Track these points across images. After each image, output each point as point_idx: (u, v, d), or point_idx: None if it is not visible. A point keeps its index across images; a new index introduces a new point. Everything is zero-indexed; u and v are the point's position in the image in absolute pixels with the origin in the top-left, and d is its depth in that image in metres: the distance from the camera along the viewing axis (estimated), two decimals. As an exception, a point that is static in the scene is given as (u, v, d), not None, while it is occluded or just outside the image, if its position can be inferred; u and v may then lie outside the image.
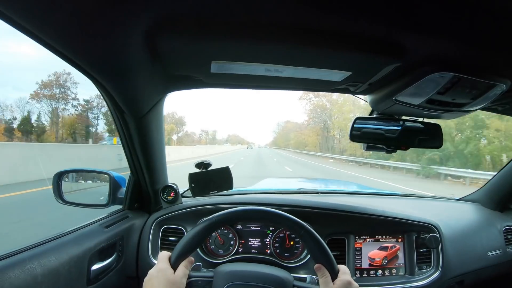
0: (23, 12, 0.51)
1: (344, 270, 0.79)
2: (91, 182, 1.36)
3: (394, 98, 0.90)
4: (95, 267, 0.95)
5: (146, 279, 0.74)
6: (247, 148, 79.26)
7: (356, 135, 1.03)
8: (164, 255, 0.78)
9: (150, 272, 0.74)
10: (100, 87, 0.81)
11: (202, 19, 0.62)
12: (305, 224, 0.81)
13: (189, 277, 0.79)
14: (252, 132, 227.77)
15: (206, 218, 0.82)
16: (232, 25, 0.63)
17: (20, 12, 0.50)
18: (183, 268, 0.75)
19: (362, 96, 1.07)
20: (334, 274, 0.76)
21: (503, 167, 1.58)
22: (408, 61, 0.74)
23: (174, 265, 0.75)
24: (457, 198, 1.80)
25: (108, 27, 0.58)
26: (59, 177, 1.16)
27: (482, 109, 1.10)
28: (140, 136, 1.03)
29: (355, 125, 1.02)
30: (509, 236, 1.49)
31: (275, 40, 0.67)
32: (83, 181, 1.34)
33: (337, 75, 0.85)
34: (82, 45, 0.62)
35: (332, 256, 0.78)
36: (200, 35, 0.65)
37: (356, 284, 0.76)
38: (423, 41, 0.66)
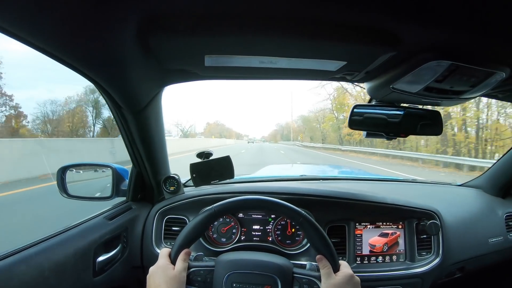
0: (12, 18, 0.52)
1: (345, 264, 0.80)
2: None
3: (391, 86, 0.89)
4: (100, 258, 0.97)
5: (147, 276, 0.77)
6: (248, 142, 67.74)
7: (356, 121, 1.03)
8: (164, 251, 0.81)
9: (151, 269, 0.77)
10: (96, 84, 0.82)
11: (192, 15, 0.62)
12: (302, 212, 0.83)
13: (190, 267, 0.81)
14: (243, 122, 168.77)
15: (205, 209, 0.84)
16: (222, 19, 0.63)
17: (8, 18, 0.51)
18: (181, 262, 0.77)
19: (360, 84, 1.06)
20: (335, 266, 0.78)
21: (506, 153, 1.57)
22: (404, 50, 0.73)
23: (174, 259, 0.78)
24: (459, 184, 1.79)
25: (98, 28, 0.59)
26: (63, 171, 1.17)
27: (482, 96, 1.09)
28: (139, 130, 1.04)
29: (354, 112, 1.02)
30: (511, 223, 1.49)
31: (267, 32, 0.66)
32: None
33: (332, 65, 0.84)
34: (73, 46, 0.64)
35: (332, 247, 0.80)
36: (191, 31, 0.65)
37: (357, 278, 0.78)
38: (418, 29, 0.65)
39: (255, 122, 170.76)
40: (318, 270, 0.79)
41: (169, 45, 0.71)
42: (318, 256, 0.79)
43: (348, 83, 1.08)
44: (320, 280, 0.77)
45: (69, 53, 0.66)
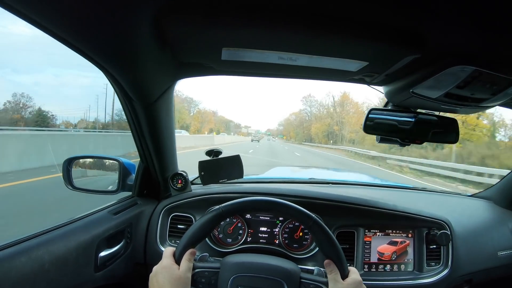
0: (27, 1, 0.50)
1: (353, 270, 0.78)
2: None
3: (411, 90, 0.87)
4: (103, 254, 0.96)
5: (151, 275, 0.74)
6: (252, 140, 55.92)
7: (370, 126, 1.01)
8: (168, 251, 0.79)
9: (155, 268, 0.75)
10: (107, 74, 0.79)
11: (213, 3, 0.60)
12: (313, 215, 0.80)
13: (195, 268, 0.79)
14: (239, 109, 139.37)
15: (213, 209, 0.81)
16: (244, 9, 0.61)
17: (23, 1, 0.50)
18: (186, 262, 0.75)
19: (377, 87, 1.04)
20: (343, 272, 0.76)
21: None
22: (428, 53, 0.71)
23: (179, 259, 0.76)
24: (470, 195, 1.76)
25: (115, 12, 0.57)
26: (69, 163, 1.15)
27: (500, 105, 1.07)
28: (149, 123, 1.02)
29: (369, 116, 1.00)
30: None
31: (289, 26, 0.64)
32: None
33: (353, 65, 0.82)
34: (87, 31, 0.60)
35: (342, 252, 0.77)
36: (211, 20, 0.63)
37: (365, 287, 0.76)
38: (445, 31, 0.63)
39: (257, 110, 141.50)
40: (326, 276, 0.77)
41: (186, 34, 0.69)
42: (326, 261, 0.77)
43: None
44: (327, 286, 0.75)
45: (81, 38, 0.62)
